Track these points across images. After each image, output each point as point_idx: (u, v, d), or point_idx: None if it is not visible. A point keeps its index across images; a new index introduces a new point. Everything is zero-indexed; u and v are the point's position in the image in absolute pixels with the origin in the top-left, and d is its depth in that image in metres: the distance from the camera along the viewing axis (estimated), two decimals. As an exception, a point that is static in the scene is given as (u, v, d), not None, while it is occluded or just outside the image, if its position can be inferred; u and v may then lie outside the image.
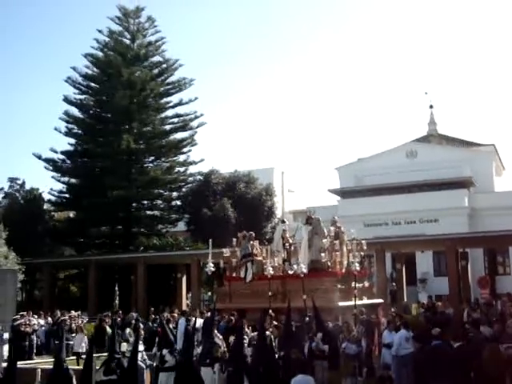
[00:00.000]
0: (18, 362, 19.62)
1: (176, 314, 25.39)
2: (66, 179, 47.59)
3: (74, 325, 24.98)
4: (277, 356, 12.55)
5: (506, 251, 42.69)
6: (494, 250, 43.02)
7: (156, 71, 48.84)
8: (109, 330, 23.58)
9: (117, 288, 30.62)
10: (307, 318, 14.96)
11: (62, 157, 47.22)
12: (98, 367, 12.42)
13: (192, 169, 48.38)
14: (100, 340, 23.65)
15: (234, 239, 20.88)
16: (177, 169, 48.18)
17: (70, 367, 11.55)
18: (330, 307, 16.82)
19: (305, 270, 17.74)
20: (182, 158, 48.57)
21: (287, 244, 20.01)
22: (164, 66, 48.97)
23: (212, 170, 46.29)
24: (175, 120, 48.65)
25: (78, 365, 17.69)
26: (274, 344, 13.34)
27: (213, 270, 19.55)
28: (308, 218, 19.64)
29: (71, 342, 22.48)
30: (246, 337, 13.86)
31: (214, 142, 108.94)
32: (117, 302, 29.94)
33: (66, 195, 47.95)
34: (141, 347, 17.13)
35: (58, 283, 45.33)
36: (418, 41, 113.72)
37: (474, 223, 42.51)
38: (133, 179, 45.22)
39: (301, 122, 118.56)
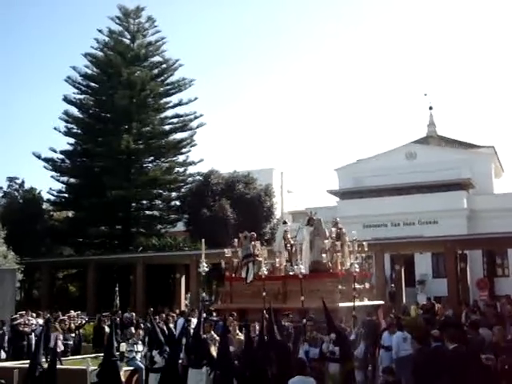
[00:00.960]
0: (17, 362, 19.71)
1: (174, 314, 25.41)
2: (65, 179, 47.65)
3: (72, 325, 24.98)
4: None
5: (505, 253, 42.76)
6: (493, 252, 43.07)
7: (156, 71, 48.89)
8: (108, 330, 23.60)
9: (117, 288, 30.61)
10: (304, 320, 14.91)
11: (61, 156, 47.37)
12: (93, 367, 12.36)
13: (191, 169, 48.54)
14: (99, 340, 23.70)
15: (236, 239, 20.85)
16: (176, 169, 48.21)
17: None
18: (331, 308, 16.79)
19: (303, 271, 17.72)
20: (181, 158, 48.73)
21: (289, 245, 20.00)
22: (164, 66, 49.03)
23: (211, 171, 46.28)
24: (175, 120, 48.74)
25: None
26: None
27: (206, 269, 19.45)
28: (309, 219, 19.64)
29: (70, 342, 22.49)
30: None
31: (213, 142, 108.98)
32: (117, 301, 29.93)
33: (66, 195, 48.00)
34: (140, 347, 17.15)
35: (57, 283, 45.31)
36: (418, 42, 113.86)
37: (472, 225, 42.53)
38: (132, 179, 45.25)
39: (300, 122, 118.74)
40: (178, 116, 48.52)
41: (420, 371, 12.01)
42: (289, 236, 20.44)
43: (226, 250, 21.07)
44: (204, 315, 22.27)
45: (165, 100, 48.99)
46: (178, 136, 48.59)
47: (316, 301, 17.38)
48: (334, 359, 12.55)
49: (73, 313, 26.59)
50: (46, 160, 46.45)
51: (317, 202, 48.95)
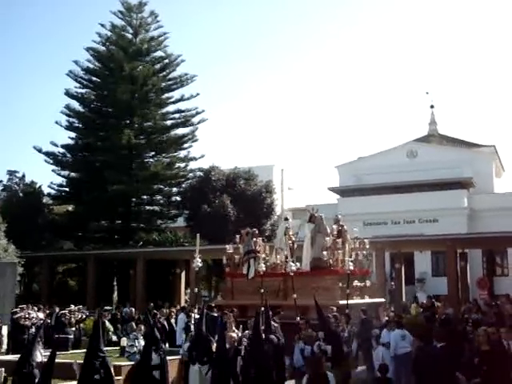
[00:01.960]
0: (17, 355, 19.73)
1: (174, 309, 25.48)
2: (66, 173, 47.63)
3: (73, 319, 25.03)
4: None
5: (505, 252, 42.81)
6: (493, 252, 43.13)
7: (158, 66, 48.83)
8: (108, 325, 23.68)
9: (115, 282, 30.64)
10: (297, 318, 14.87)
11: (62, 150, 47.33)
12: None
13: (192, 165, 48.50)
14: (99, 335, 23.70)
15: (237, 236, 20.83)
16: (177, 164, 48.18)
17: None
18: (331, 305, 16.83)
19: (294, 269, 17.78)
20: (182, 153, 48.65)
21: (290, 241, 20.00)
22: (166, 61, 48.95)
23: (212, 167, 46.23)
24: (176, 116, 48.71)
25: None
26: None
27: (200, 265, 19.39)
28: (311, 216, 19.62)
29: (71, 336, 22.55)
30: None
31: (214, 138, 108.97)
32: (115, 296, 29.96)
33: (66, 189, 48.01)
34: (141, 342, 17.16)
35: (57, 277, 45.32)
36: (420, 41, 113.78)
37: (473, 224, 42.60)
38: (133, 174, 45.26)
39: (301, 119, 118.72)
40: (179, 111, 48.50)
41: (420, 370, 12.04)
42: (290, 233, 20.42)
43: (227, 246, 21.04)
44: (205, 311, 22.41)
45: (166, 95, 48.97)
46: (180, 131, 48.68)
47: (317, 298, 17.45)
48: (326, 358, 12.35)
49: (73, 307, 26.65)
50: (47, 154, 46.45)
51: (317, 200, 48.80)
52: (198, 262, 19.13)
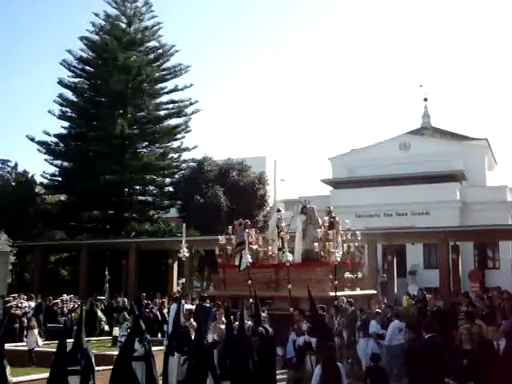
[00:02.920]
0: (9, 344, 19.71)
1: (166, 300, 25.49)
2: (58, 162, 47.38)
3: (65, 308, 25.05)
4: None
5: (496, 245, 43.01)
6: (484, 244, 43.29)
7: (152, 56, 48.66)
8: (100, 314, 23.68)
9: (107, 272, 30.59)
10: (291, 309, 14.88)
11: (55, 140, 47.05)
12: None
13: (185, 155, 48.43)
14: (91, 324, 23.74)
15: (230, 227, 20.85)
16: (170, 155, 48.14)
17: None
18: (322, 297, 16.90)
19: (290, 259, 17.80)
20: (175, 144, 48.66)
21: (282, 233, 20.03)
22: (160, 51, 48.77)
23: (205, 157, 46.22)
24: (170, 106, 48.57)
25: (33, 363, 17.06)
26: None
27: (187, 255, 19.36)
28: (303, 208, 19.66)
29: (62, 326, 22.54)
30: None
31: (207, 129, 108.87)
32: (107, 286, 29.95)
33: (59, 178, 47.82)
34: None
35: (49, 266, 45.23)
36: (414, 33, 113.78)
37: (465, 217, 42.78)
38: (126, 164, 45.10)
39: (294, 111, 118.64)
40: (173, 102, 48.36)
41: (411, 361, 12.12)
42: (282, 224, 20.44)
43: (220, 237, 21.07)
44: (197, 302, 22.43)
45: (160, 85, 48.82)
46: (173, 122, 48.53)
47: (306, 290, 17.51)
48: (312, 350, 12.45)
49: (65, 296, 26.67)
50: (40, 143, 46.22)
51: (310, 191, 48.89)
52: (184, 252, 19.10)
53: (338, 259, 17.63)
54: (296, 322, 14.12)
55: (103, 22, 47.97)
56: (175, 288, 36.86)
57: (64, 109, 47.15)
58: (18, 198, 43.56)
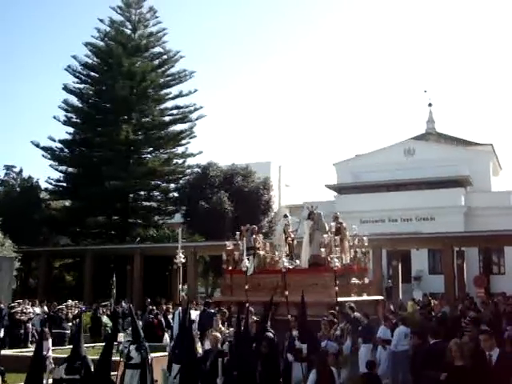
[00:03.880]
0: (14, 350, 19.75)
1: (171, 306, 25.49)
2: (63, 168, 47.42)
3: (70, 314, 25.08)
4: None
5: (501, 251, 42.92)
6: (489, 250, 43.20)
7: (156, 62, 48.71)
8: (106, 319, 23.71)
9: (114, 278, 30.65)
10: (289, 316, 14.79)
11: (60, 145, 47.10)
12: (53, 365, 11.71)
13: (190, 161, 48.39)
14: (96, 330, 23.78)
15: (237, 232, 20.83)
16: (175, 160, 48.16)
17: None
18: (328, 302, 16.87)
19: (287, 265, 17.79)
20: (180, 149, 48.61)
21: (289, 238, 20.02)
22: (165, 57, 48.85)
23: (210, 163, 46.20)
24: (174, 112, 48.57)
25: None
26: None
27: (183, 261, 19.23)
28: (310, 213, 19.63)
29: (67, 331, 22.59)
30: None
31: (212, 134, 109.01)
32: (114, 291, 29.99)
33: (64, 184, 47.86)
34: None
35: (54, 272, 45.31)
36: (419, 38, 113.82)
37: (469, 222, 42.71)
38: (131, 170, 45.13)
39: (299, 116, 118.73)
40: (177, 107, 48.38)
41: (420, 366, 12.07)
42: (289, 230, 20.44)
43: (227, 243, 21.03)
44: (202, 308, 22.38)
45: (165, 91, 48.84)
46: (178, 127, 48.54)
47: (313, 295, 17.46)
48: (302, 358, 12.23)
49: (70, 302, 26.69)
50: (45, 149, 46.27)
51: (314, 197, 48.98)
52: (180, 258, 19.00)
53: (338, 265, 17.53)
54: (292, 328, 14.05)
55: (108, 28, 48.14)
56: (179, 294, 36.86)
57: (69, 114, 47.27)
58: (23, 204, 43.66)
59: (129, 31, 48.82)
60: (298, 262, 19.77)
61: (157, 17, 48.92)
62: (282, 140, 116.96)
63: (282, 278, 17.01)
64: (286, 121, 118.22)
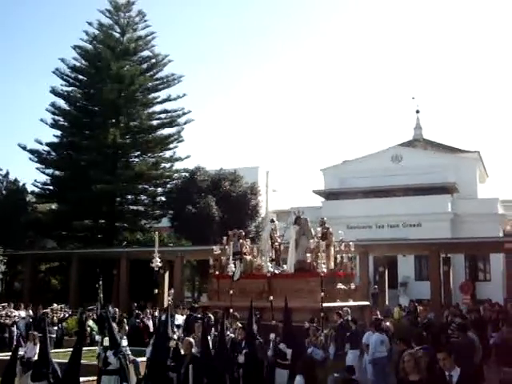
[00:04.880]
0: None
1: (157, 310, 25.41)
2: (50, 171, 47.29)
3: (55, 318, 24.93)
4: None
5: (487, 258, 43.07)
6: (475, 256, 43.35)
7: (145, 66, 48.67)
8: (92, 324, 23.56)
9: (101, 282, 30.47)
10: (273, 321, 14.77)
11: (47, 148, 46.97)
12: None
13: (178, 165, 48.35)
14: (82, 334, 23.58)
15: (224, 237, 20.81)
16: (162, 165, 48.05)
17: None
18: (314, 307, 16.88)
19: (271, 269, 17.79)
20: (168, 153, 48.50)
21: (276, 243, 20.03)
22: (153, 61, 48.81)
23: (197, 167, 46.17)
24: (162, 116, 48.50)
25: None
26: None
27: (160, 265, 19.07)
28: (297, 218, 19.68)
29: (53, 335, 22.43)
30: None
31: (200, 139, 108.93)
32: (101, 295, 29.83)
33: (50, 187, 47.68)
34: (124, 342, 17.08)
35: (39, 275, 45.03)
36: (407, 46, 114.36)
37: (456, 229, 42.83)
38: (118, 173, 45.02)
39: (287, 122, 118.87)
40: (165, 111, 48.32)
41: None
42: (276, 234, 20.45)
43: (214, 248, 21.01)
44: (187, 312, 22.33)
45: (153, 95, 48.79)
46: (166, 132, 48.51)
47: (299, 301, 17.48)
48: (285, 365, 12.11)
49: (56, 306, 26.55)
50: (32, 152, 46.11)
51: (302, 202, 48.93)
52: (157, 262, 18.85)
53: (325, 270, 17.55)
54: (276, 332, 14.04)
55: (97, 32, 47.99)
56: (166, 298, 36.75)
57: (56, 117, 47.11)
58: (9, 207, 43.42)
59: (117, 34, 48.73)
60: (285, 266, 19.76)
61: (145, 20, 48.91)
62: (269, 145, 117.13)
63: (267, 283, 17.00)
64: (274, 126, 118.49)
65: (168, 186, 47.77)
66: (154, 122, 48.58)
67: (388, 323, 15.54)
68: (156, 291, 22.93)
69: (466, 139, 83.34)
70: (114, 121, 46.71)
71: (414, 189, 45.29)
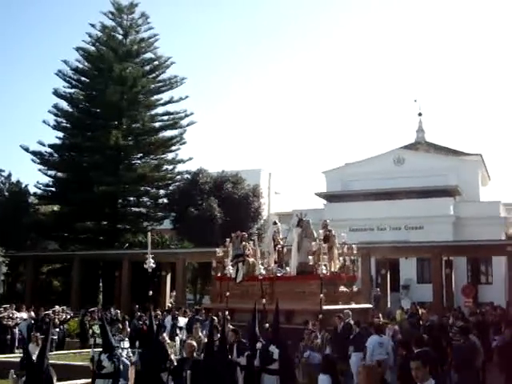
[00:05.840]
0: (1, 355, 19.57)
1: (160, 312, 25.43)
2: (52, 173, 47.30)
3: (57, 319, 24.91)
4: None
5: (489, 261, 42.97)
6: (478, 259, 43.29)
7: (148, 68, 48.70)
8: (96, 329, 23.53)
9: (101, 284, 30.54)
10: (267, 325, 14.70)
11: (49, 150, 47.03)
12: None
13: (180, 167, 48.38)
14: (84, 336, 23.62)
15: (227, 239, 20.79)
16: (165, 167, 48.07)
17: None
18: (315, 310, 16.84)
19: (263, 272, 17.76)
20: (170, 155, 48.58)
21: (278, 246, 20.01)
22: (156, 63, 48.84)
23: (200, 169, 46.20)
24: (165, 118, 48.52)
25: None
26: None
27: (153, 266, 18.99)
28: (299, 221, 19.65)
29: (55, 337, 22.43)
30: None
31: (202, 141, 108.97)
32: (101, 297, 29.87)
33: (53, 189, 47.68)
34: (126, 344, 17.10)
35: (41, 277, 45.05)
36: (409, 49, 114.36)
37: (458, 232, 42.73)
38: (120, 175, 45.00)
39: (289, 124, 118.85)
40: (168, 113, 48.32)
41: (406, 376, 12.04)
42: (279, 237, 20.44)
43: (217, 250, 21.00)
44: (190, 314, 22.34)
45: (156, 97, 48.81)
46: (168, 133, 48.53)
47: (301, 303, 17.44)
48: (271, 371, 11.79)
49: (57, 307, 26.54)
50: (34, 153, 46.15)
51: (304, 204, 48.88)
52: (150, 263, 18.76)
53: (325, 272, 17.52)
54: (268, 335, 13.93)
55: (99, 33, 48.05)
56: (168, 300, 36.77)
57: (59, 119, 47.13)
58: (11, 208, 43.46)
59: (120, 36, 48.76)
60: (287, 269, 19.74)
61: (148, 22, 48.96)
62: (272, 147, 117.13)
63: (260, 286, 16.89)
64: (277, 128, 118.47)
65: (170, 187, 47.78)
66: (157, 124, 48.65)
67: (396, 327, 15.45)
68: (151, 293, 22.92)
69: (468, 142, 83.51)
70: (116, 123, 46.72)
71: (417, 191, 45.24)
